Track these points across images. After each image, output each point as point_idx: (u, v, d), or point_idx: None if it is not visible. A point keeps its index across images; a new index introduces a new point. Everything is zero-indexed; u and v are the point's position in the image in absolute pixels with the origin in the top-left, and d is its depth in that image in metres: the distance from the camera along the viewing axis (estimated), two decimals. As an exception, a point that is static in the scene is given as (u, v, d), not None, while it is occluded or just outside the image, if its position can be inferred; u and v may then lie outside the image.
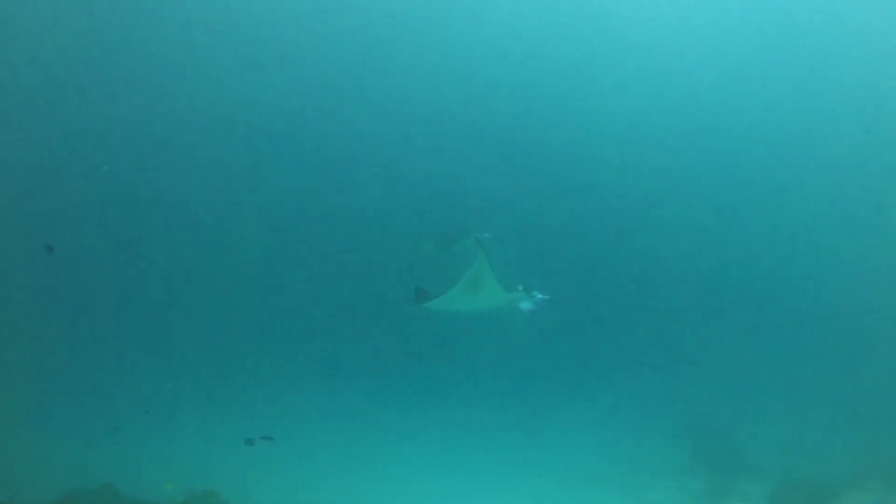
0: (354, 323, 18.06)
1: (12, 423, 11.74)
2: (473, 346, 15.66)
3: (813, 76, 21.74)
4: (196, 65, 20.83)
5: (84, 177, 20.26)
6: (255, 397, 13.79)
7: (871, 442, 11.47)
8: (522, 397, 14.58)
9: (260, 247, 20.94)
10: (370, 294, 18.71)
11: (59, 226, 19.13)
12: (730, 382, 14.91)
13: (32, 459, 10.00)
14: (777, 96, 22.20)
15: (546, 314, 7.72)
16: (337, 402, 13.85)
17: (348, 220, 20.99)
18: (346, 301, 19.16)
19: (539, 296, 7.72)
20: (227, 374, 15.47)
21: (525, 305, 7.78)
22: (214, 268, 20.38)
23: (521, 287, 7.81)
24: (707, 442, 12.23)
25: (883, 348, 15.72)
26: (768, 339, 17.15)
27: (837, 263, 19.32)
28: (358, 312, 18.27)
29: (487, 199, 21.04)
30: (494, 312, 8.43)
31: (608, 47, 21.95)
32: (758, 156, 22.31)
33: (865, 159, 21.33)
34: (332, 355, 17.02)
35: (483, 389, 14.81)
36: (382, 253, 19.65)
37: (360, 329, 17.78)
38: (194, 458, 10.87)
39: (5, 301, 16.71)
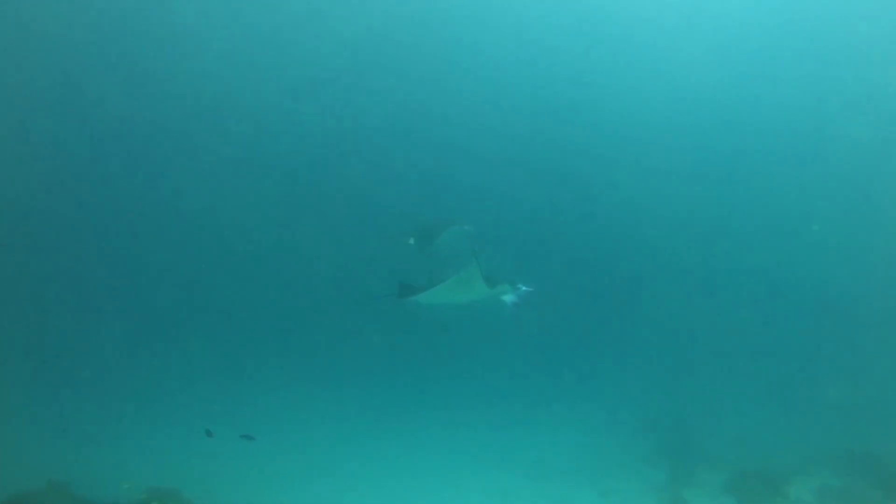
0: (320, 320, 17.84)
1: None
2: (441, 342, 15.77)
3: (814, 77, 21.67)
4: (181, 62, 20.52)
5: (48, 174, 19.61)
6: (220, 395, 13.38)
7: (815, 432, 12.25)
8: (491, 393, 14.72)
9: (232, 240, 20.51)
10: (336, 289, 18.58)
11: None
12: (691, 380, 15.58)
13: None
14: (774, 97, 22.20)
15: (529, 306, 7.90)
16: (302, 400, 13.60)
17: (325, 211, 20.82)
18: (312, 296, 18.96)
19: (523, 288, 7.87)
20: (191, 369, 14.95)
21: (508, 298, 7.93)
22: (179, 261, 19.80)
23: (506, 280, 7.95)
24: (670, 436, 12.72)
25: (828, 348, 16.80)
26: (725, 340, 18.02)
27: (789, 268, 20.30)
28: (324, 309, 18.07)
29: (470, 192, 21.28)
30: (477, 304, 8.54)
31: (590, 37, 21.87)
32: (721, 153, 22.47)
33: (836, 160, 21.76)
34: (297, 353, 16.72)
35: (451, 386, 14.89)
36: (356, 246, 19.57)
37: (325, 326, 17.58)
38: (156, 457, 10.45)
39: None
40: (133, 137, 21.18)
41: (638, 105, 22.65)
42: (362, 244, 19.32)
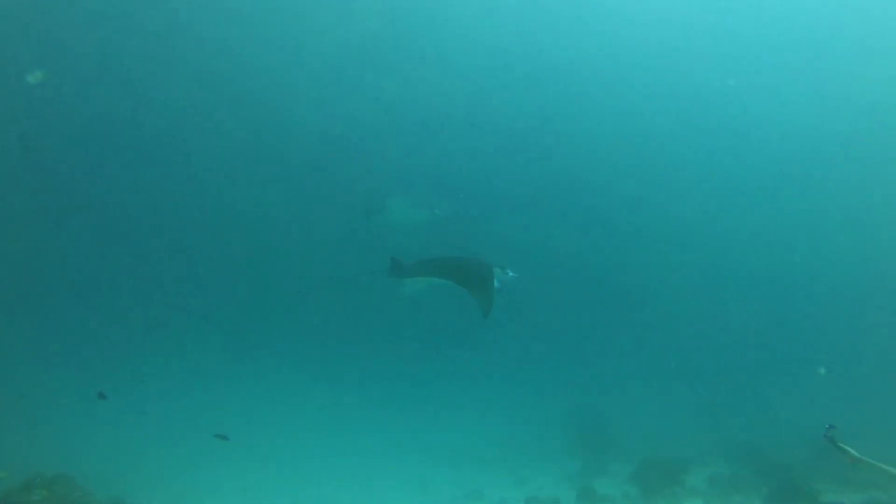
0: (230, 301, 17.18)
1: None
2: (366, 330, 15.65)
3: (814, 80, 21.54)
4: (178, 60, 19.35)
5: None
6: (116, 379, 12.46)
7: (712, 427, 13.34)
8: (413, 381, 14.77)
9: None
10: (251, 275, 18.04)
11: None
12: (607, 378, 16.46)
13: None
14: (771, 99, 22.12)
15: (511, 291, 7.98)
16: (206, 383, 12.97)
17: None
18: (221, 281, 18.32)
19: (511, 274, 7.96)
20: (81, 355, 13.83)
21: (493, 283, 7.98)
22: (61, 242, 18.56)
23: (497, 265, 7.99)
24: (586, 429, 13.38)
25: (722, 354, 18.28)
26: (638, 343, 19.19)
27: (697, 276, 21.73)
28: (238, 291, 17.43)
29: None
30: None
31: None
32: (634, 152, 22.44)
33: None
34: (199, 333, 15.98)
35: (374, 370, 14.80)
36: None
37: (238, 306, 16.95)
38: (42, 442, 9.59)
39: None
40: (129, 129, 20.09)
41: (632, 102, 22.42)
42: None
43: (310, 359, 14.87)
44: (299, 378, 13.72)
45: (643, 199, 22.66)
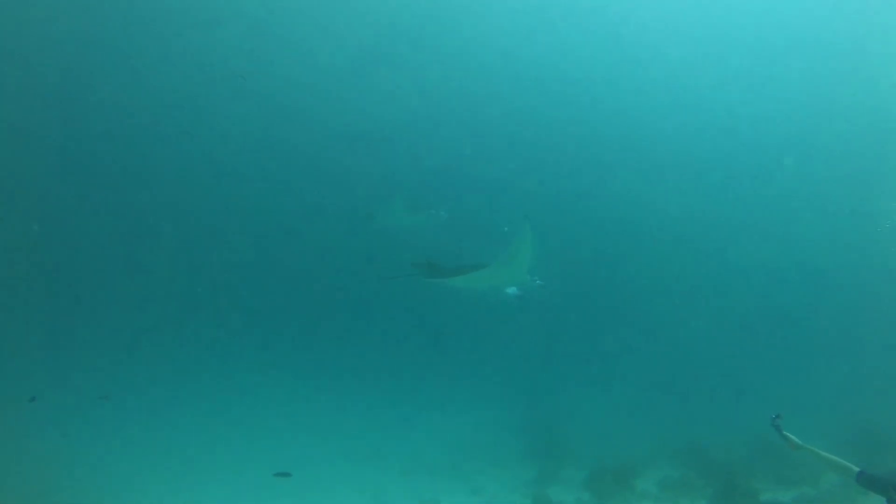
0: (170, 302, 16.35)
1: None
2: (320, 336, 15.21)
3: (813, 80, 21.49)
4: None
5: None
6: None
7: (660, 433, 13.73)
8: (367, 389, 14.42)
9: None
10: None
11: None
12: (560, 385, 16.68)
13: None
14: (775, 98, 22.03)
15: (532, 299, 7.91)
16: (146, 384, 12.17)
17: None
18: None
19: (538, 281, 7.85)
20: None
21: (512, 290, 7.91)
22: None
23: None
24: (540, 436, 13.42)
25: (678, 362, 18.98)
26: (588, 350, 19.63)
27: (645, 283, 22.31)
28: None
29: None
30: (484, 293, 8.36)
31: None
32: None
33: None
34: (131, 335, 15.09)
35: (327, 379, 14.35)
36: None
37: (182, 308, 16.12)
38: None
39: None
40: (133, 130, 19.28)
41: (636, 102, 22.36)
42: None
43: (258, 361, 14.21)
44: (247, 380, 13.07)
45: (605, 202, 22.89)
